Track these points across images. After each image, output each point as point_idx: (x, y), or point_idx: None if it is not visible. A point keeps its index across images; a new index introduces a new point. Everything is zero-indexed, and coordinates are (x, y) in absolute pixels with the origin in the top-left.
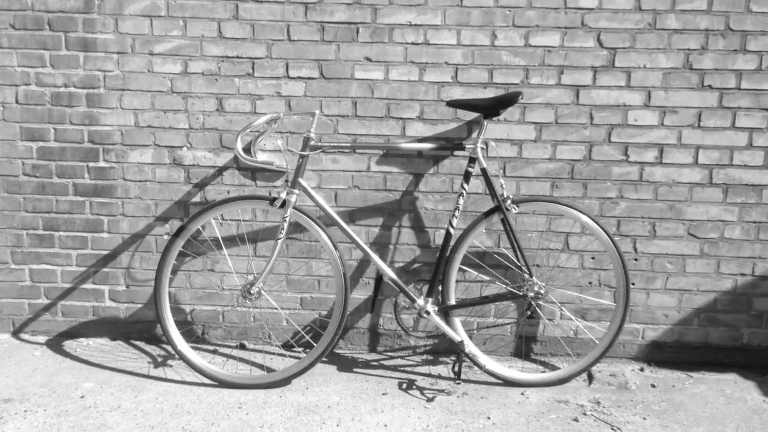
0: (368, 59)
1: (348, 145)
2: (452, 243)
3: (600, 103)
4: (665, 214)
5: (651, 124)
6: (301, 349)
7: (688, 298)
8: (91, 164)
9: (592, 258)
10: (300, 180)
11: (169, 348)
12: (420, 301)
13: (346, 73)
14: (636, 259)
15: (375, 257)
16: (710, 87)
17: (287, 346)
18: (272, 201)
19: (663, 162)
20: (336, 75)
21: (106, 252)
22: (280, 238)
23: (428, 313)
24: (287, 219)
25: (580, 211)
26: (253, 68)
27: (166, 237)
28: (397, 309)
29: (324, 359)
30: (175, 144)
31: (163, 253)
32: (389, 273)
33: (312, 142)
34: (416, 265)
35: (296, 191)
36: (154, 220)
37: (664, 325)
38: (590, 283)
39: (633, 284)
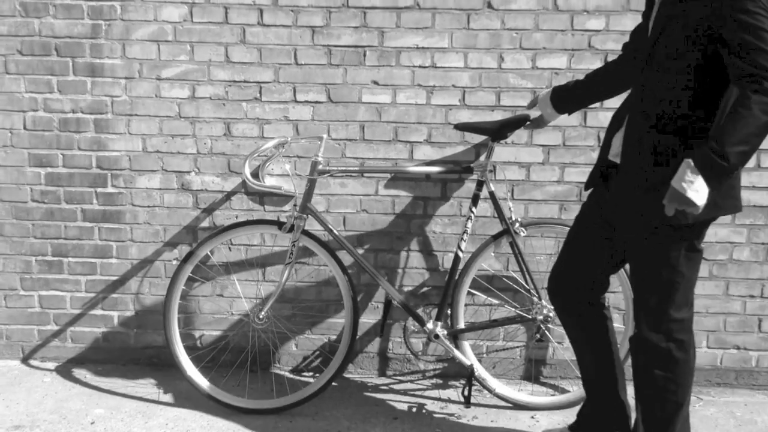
0: (375, 83)
1: (356, 169)
2: (461, 266)
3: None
4: None
5: None
6: (311, 374)
7: (697, 320)
8: (99, 190)
9: None
10: (309, 204)
11: (179, 373)
12: (429, 325)
13: (354, 97)
14: None
15: (383, 281)
16: None
17: (297, 370)
18: (281, 226)
19: None
20: (343, 99)
21: (115, 278)
22: (288, 263)
23: (437, 336)
24: (296, 244)
25: None
26: (260, 92)
27: (174, 262)
28: (406, 333)
29: (334, 383)
30: (183, 169)
31: (172, 278)
32: (398, 297)
33: (320, 167)
34: (425, 288)
35: (305, 216)
36: (162, 246)
37: None
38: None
39: None
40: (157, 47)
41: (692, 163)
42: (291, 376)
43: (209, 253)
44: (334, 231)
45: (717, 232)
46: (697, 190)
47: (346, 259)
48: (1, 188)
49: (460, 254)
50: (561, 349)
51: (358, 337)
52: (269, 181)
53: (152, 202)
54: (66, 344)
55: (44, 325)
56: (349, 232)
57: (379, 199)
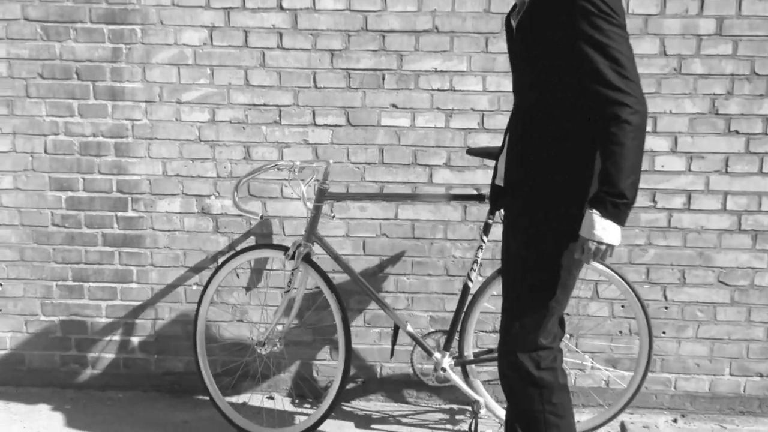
0: (394, 106)
1: (362, 193)
2: (471, 294)
3: None
4: (695, 261)
5: (678, 169)
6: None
7: (719, 347)
8: (120, 214)
9: (622, 306)
10: (315, 231)
11: (200, 398)
12: (437, 355)
13: (373, 120)
14: (666, 308)
15: (390, 311)
16: (737, 132)
17: (318, 396)
18: (286, 251)
19: (691, 208)
20: (362, 122)
21: (135, 303)
22: (286, 291)
23: (444, 369)
24: (295, 272)
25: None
26: (280, 116)
27: (195, 287)
28: (413, 362)
29: (343, 412)
30: (203, 193)
31: (200, 300)
32: (405, 326)
33: (327, 192)
34: (444, 314)
35: (309, 243)
36: (183, 270)
37: (696, 375)
38: (621, 332)
39: (663, 333)
40: (178, 71)
41: (597, 212)
42: (295, 403)
43: (236, 275)
44: (341, 258)
45: (738, 257)
46: (612, 233)
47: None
48: (22, 212)
49: (470, 283)
50: (581, 377)
51: (352, 365)
52: (252, 207)
53: (172, 226)
54: (87, 370)
55: (65, 350)
56: (368, 256)
57: (398, 223)
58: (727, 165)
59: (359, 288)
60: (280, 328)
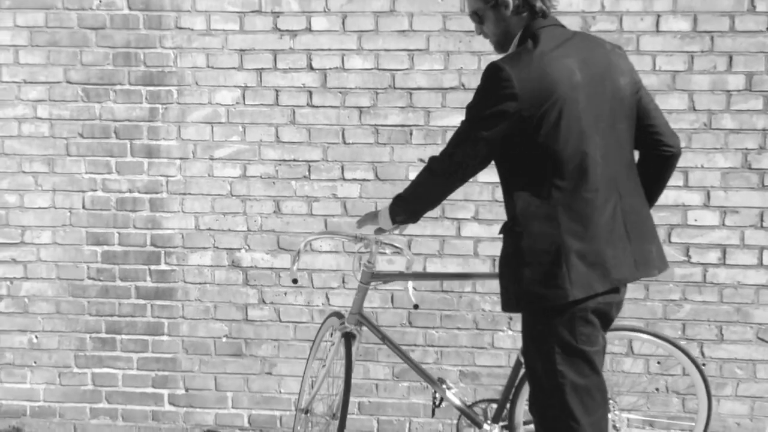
0: (422, 160)
1: (410, 273)
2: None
3: (658, 204)
4: (732, 317)
5: (712, 224)
6: None
7: (760, 406)
8: (153, 267)
9: (658, 363)
10: (361, 312)
11: None
12: (486, 427)
13: (401, 175)
14: (704, 364)
15: (439, 387)
16: None
17: None
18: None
19: (727, 263)
20: (390, 176)
21: (166, 355)
22: (323, 365)
23: None
24: (331, 344)
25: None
26: (309, 171)
27: (224, 339)
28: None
29: None
30: (234, 246)
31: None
32: (455, 401)
33: (375, 273)
34: (474, 368)
35: (353, 326)
36: (213, 323)
37: None
38: (657, 389)
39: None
40: (211, 129)
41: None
42: None
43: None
44: (388, 339)
45: None
46: (383, 217)
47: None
48: (59, 266)
49: (522, 358)
50: None
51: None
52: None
53: (203, 278)
54: (117, 423)
55: (96, 402)
56: (396, 309)
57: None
58: (762, 219)
59: (407, 365)
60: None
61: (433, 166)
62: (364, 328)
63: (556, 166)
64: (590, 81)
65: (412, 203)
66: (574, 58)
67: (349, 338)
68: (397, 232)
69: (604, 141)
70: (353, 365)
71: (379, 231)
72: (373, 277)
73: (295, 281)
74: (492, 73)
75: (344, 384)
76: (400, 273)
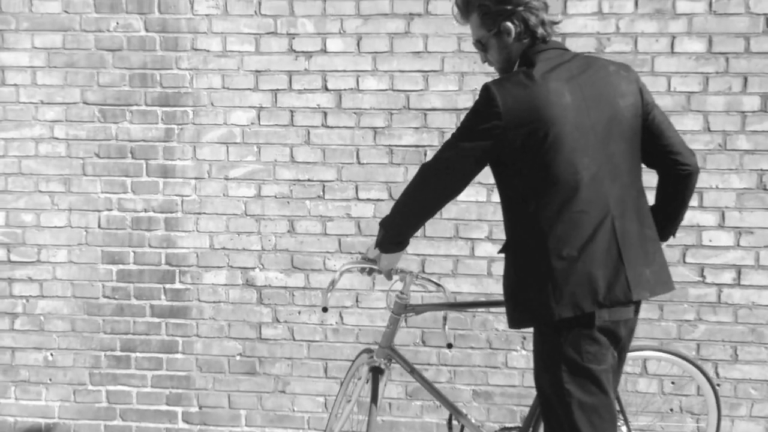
0: None
1: (444, 303)
2: None
3: None
4: (747, 337)
5: (727, 244)
6: None
7: None
8: (167, 286)
9: (672, 383)
10: (391, 345)
11: None
12: None
13: None
14: (718, 385)
15: (466, 419)
16: None
17: None
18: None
19: (741, 284)
20: None
21: (180, 373)
22: (349, 400)
23: None
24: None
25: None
26: (323, 191)
27: (238, 358)
28: None
29: None
30: (248, 265)
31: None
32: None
33: (407, 305)
34: (487, 387)
35: (381, 360)
36: (227, 341)
37: None
38: (671, 409)
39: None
40: (226, 149)
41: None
42: None
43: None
44: (417, 372)
45: None
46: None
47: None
48: (75, 285)
49: None
50: None
51: None
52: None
53: (218, 297)
54: None
55: (110, 420)
56: (410, 328)
57: (440, 297)
58: None
59: (433, 397)
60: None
61: (423, 168)
62: (395, 364)
63: (543, 185)
64: (581, 103)
65: (398, 217)
66: (565, 81)
67: (377, 373)
68: (396, 277)
69: (595, 162)
70: (379, 401)
71: (371, 266)
72: (406, 309)
73: (325, 310)
74: (481, 93)
75: (368, 424)
76: (435, 304)
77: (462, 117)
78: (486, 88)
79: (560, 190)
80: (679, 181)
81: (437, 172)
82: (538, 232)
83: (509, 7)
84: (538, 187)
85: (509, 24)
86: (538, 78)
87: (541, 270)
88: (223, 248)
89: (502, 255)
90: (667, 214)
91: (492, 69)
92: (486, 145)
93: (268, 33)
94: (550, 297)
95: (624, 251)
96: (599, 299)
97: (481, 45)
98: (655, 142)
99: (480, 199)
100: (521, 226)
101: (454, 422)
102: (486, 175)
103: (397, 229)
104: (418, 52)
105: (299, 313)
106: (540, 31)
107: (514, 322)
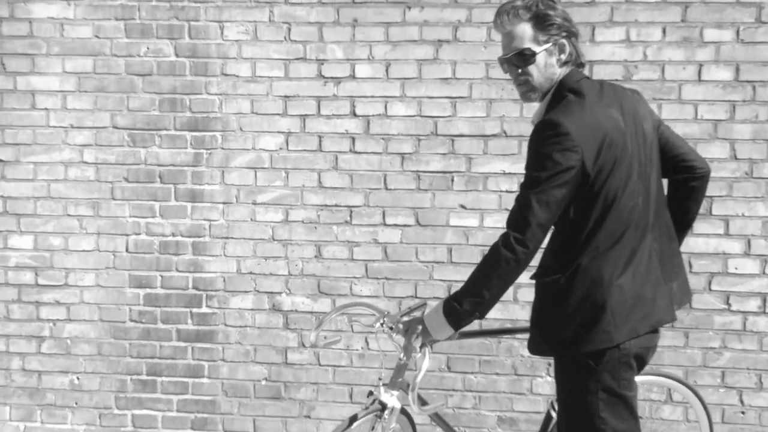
0: (463, 207)
1: (470, 331)
2: (554, 422)
3: (698, 251)
4: None
5: (752, 272)
6: None
7: None
8: (194, 310)
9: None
10: (400, 381)
11: None
12: None
13: (442, 221)
14: (743, 413)
15: None
16: None
17: None
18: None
19: (767, 312)
20: (431, 222)
21: (206, 398)
22: None
23: None
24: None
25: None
26: (350, 216)
27: (264, 382)
28: None
29: None
30: (275, 290)
31: None
32: None
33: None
34: (512, 413)
35: (394, 392)
36: (252, 366)
37: None
38: None
39: None
40: (254, 174)
41: (441, 306)
42: None
43: None
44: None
45: None
46: (437, 324)
47: None
48: (102, 308)
49: (553, 413)
50: None
51: None
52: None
53: (244, 322)
54: None
55: None
56: (435, 353)
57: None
58: None
59: None
60: None
61: (513, 250)
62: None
63: (604, 211)
64: (632, 129)
65: (486, 298)
66: (616, 108)
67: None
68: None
69: (643, 185)
70: None
71: (429, 341)
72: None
73: (313, 345)
74: (550, 129)
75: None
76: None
77: (489, 143)
78: (555, 124)
79: (620, 216)
80: (697, 185)
81: (534, 239)
82: (592, 258)
83: (573, 29)
84: (598, 213)
85: (566, 42)
86: (596, 106)
87: (595, 295)
88: (250, 273)
89: (528, 282)
90: (688, 221)
91: (517, 95)
92: (571, 183)
93: (297, 59)
94: (609, 322)
95: (664, 270)
96: (650, 321)
97: (522, 57)
98: (667, 155)
99: None
100: (573, 252)
101: None
102: (512, 201)
103: (491, 303)
104: (447, 79)
105: (325, 338)
106: (583, 59)
107: (546, 350)
